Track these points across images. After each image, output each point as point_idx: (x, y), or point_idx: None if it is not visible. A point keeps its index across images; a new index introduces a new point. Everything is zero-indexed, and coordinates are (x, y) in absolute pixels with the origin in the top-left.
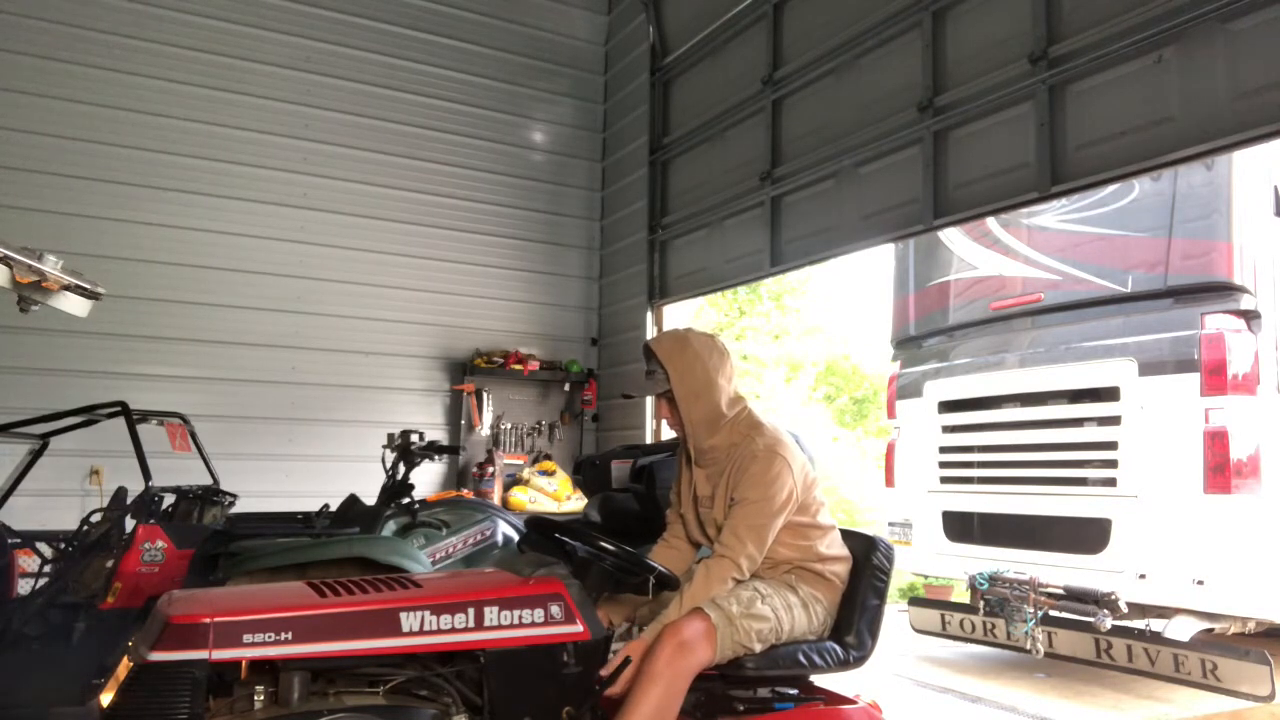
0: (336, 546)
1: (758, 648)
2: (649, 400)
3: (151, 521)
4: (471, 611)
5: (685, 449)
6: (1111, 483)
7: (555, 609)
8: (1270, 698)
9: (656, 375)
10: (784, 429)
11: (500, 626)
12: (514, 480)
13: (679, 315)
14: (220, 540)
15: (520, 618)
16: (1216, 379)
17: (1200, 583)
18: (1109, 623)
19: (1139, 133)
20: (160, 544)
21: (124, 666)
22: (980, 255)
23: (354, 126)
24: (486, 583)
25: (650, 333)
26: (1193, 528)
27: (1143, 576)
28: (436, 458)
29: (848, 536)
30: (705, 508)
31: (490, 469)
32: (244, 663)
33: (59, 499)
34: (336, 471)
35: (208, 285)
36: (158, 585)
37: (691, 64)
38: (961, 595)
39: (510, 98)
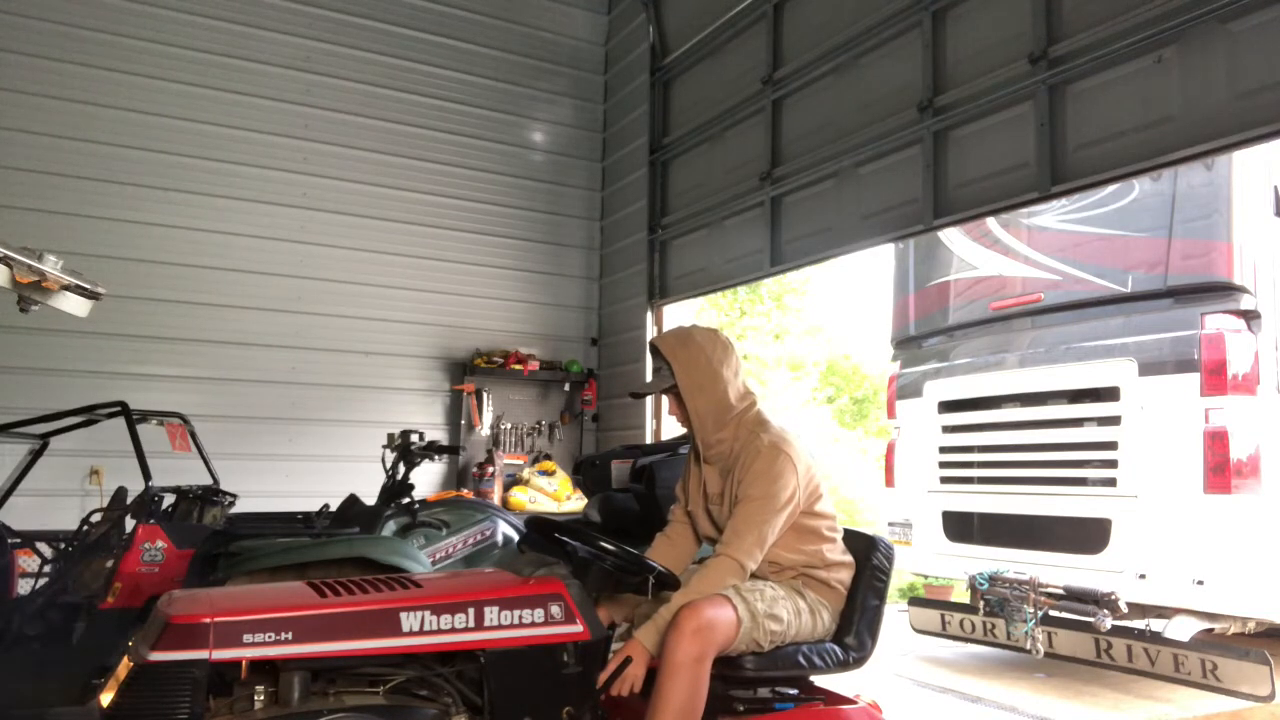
0: (336, 546)
1: (766, 648)
2: (649, 400)
3: (151, 521)
4: (472, 611)
5: (694, 446)
6: (1111, 483)
7: (555, 609)
8: (1270, 698)
9: (662, 371)
10: (791, 429)
11: (500, 626)
12: (514, 480)
13: (679, 315)
14: (220, 540)
15: (520, 618)
16: (1216, 379)
17: (1200, 583)
18: (1109, 623)
19: (1139, 133)
20: (160, 544)
21: (124, 666)
22: (980, 255)
23: (354, 126)
24: (486, 583)
25: (650, 333)
26: (1192, 528)
27: (1143, 576)
28: (436, 458)
29: (848, 536)
30: (715, 504)
31: (490, 469)
32: (244, 663)
33: (59, 499)
34: (336, 471)
35: (208, 285)
36: (158, 585)
37: (691, 64)
38: (961, 595)
39: (510, 98)
